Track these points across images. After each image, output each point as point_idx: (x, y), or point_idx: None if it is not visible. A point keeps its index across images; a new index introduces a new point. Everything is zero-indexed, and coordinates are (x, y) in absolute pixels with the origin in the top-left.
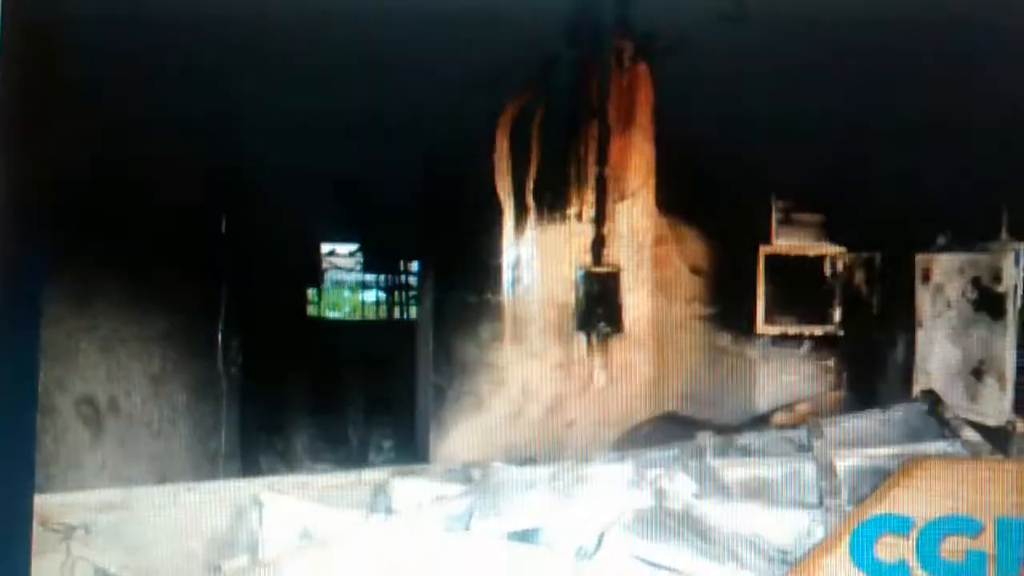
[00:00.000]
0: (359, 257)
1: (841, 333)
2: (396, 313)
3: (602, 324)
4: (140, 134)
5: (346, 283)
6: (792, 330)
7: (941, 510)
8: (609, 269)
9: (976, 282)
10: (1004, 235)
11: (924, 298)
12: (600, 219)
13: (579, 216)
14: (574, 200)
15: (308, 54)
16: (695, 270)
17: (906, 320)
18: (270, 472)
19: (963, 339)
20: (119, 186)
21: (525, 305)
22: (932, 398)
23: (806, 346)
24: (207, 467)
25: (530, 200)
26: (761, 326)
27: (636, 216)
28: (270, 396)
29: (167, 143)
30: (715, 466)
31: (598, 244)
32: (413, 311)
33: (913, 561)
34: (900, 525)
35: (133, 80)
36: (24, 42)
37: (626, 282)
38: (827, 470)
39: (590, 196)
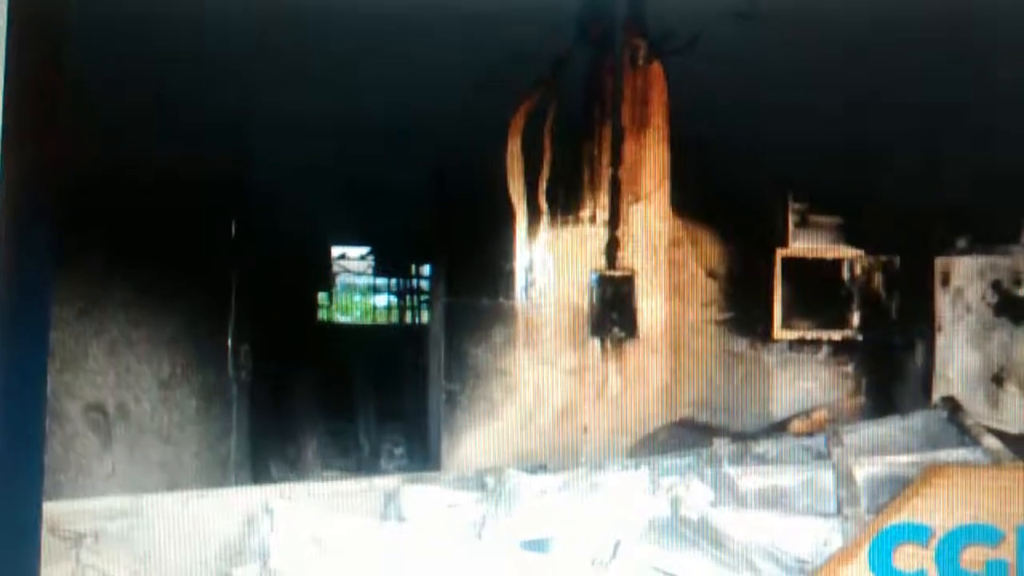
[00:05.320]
0: (370, 261)
1: (859, 338)
2: (408, 318)
3: (616, 329)
4: (149, 137)
5: (357, 287)
6: (810, 335)
7: (961, 519)
8: (623, 273)
9: (996, 286)
10: None
11: (943, 302)
12: (614, 222)
13: (593, 219)
14: (587, 202)
15: (319, 56)
16: (711, 274)
17: (925, 325)
18: (281, 479)
19: (984, 344)
20: (127, 189)
21: (538, 309)
22: (952, 405)
23: (824, 351)
24: (217, 474)
25: (543, 202)
26: (778, 331)
27: (651, 218)
28: (280, 402)
29: (176, 146)
30: (732, 474)
31: (612, 247)
32: (425, 315)
33: (933, 571)
34: (920, 534)
35: (141, 81)
36: (30, 42)
37: (641, 286)
38: (846, 478)
39: (604, 198)
